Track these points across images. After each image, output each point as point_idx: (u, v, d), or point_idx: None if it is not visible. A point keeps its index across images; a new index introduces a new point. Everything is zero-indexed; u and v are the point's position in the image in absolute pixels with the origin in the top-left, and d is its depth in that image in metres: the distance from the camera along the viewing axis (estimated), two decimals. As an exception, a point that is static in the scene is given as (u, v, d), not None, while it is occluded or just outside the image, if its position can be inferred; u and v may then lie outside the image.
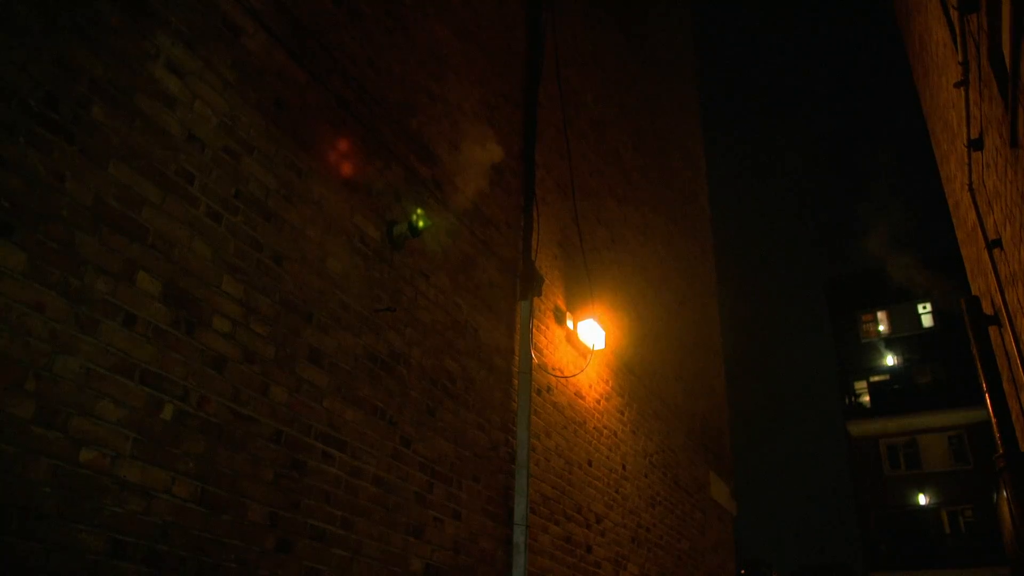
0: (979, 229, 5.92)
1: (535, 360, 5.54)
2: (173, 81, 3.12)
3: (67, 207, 2.63)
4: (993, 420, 5.32)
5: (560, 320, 6.13)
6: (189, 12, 3.25)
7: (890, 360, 28.66)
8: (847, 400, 28.45)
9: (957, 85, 5.23)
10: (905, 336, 28.63)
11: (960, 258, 8.60)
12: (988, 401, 5.42)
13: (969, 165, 5.80)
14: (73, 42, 2.73)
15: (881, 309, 29.38)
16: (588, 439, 6.24)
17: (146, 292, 2.86)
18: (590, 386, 6.47)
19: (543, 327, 5.85)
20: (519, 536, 4.86)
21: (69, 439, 2.50)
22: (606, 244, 7.48)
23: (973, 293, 7.48)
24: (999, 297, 5.48)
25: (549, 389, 5.75)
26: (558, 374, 5.92)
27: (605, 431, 6.58)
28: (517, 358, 5.42)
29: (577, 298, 6.50)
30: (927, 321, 28.51)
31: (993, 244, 5.33)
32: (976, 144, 5.19)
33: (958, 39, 4.92)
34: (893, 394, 27.47)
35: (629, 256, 8.08)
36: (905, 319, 28.87)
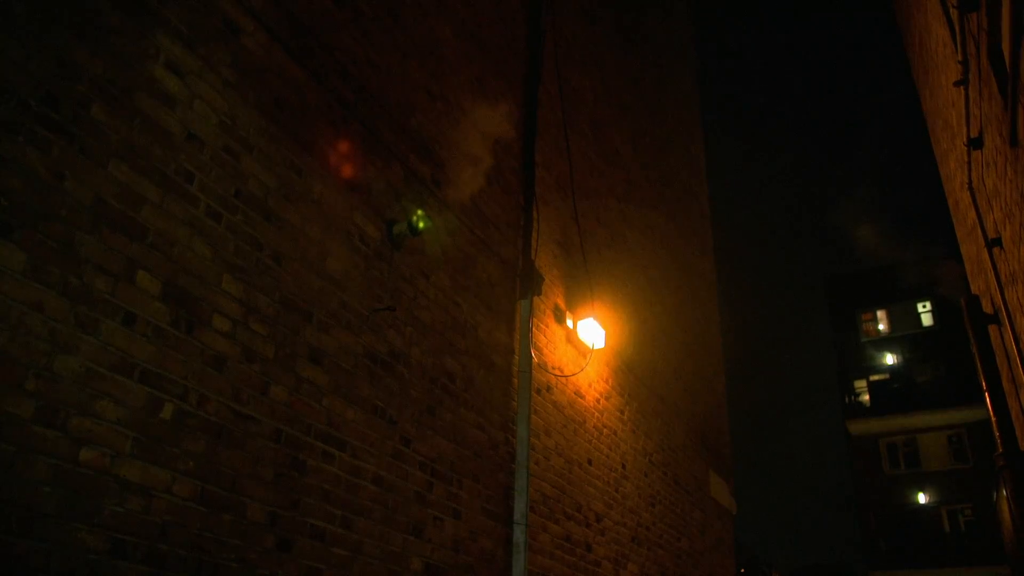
0: (979, 228, 5.92)
1: (535, 359, 5.54)
2: (173, 80, 3.12)
3: (67, 207, 2.63)
4: (993, 419, 5.33)
5: (560, 319, 6.13)
6: (189, 11, 3.25)
7: (890, 359, 28.66)
8: (847, 399, 28.44)
9: (957, 84, 5.23)
10: (905, 335, 28.64)
11: (960, 255, 8.60)
12: (988, 400, 5.42)
13: (969, 164, 5.81)
14: (73, 42, 2.73)
15: (881, 308, 29.38)
16: (588, 438, 6.24)
17: (146, 291, 2.86)
18: (590, 385, 6.47)
19: (543, 326, 5.85)
20: (519, 535, 4.87)
21: (69, 438, 2.50)
22: (606, 243, 7.48)
23: (973, 292, 7.48)
24: (999, 296, 5.48)
25: (549, 388, 5.75)
26: (558, 373, 5.92)
27: (605, 430, 6.59)
28: (517, 357, 5.42)
29: (577, 297, 6.50)
30: (927, 320, 28.51)
31: (993, 243, 5.33)
32: (976, 143, 5.19)
33: (958, 38, 4.92)
34: (893, 393, 27.47)
35: (629, 255, 8.08)
36: (905, 318, 28.87)
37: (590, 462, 6.19)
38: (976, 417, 25.05)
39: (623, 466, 6.82)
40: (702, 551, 8.51)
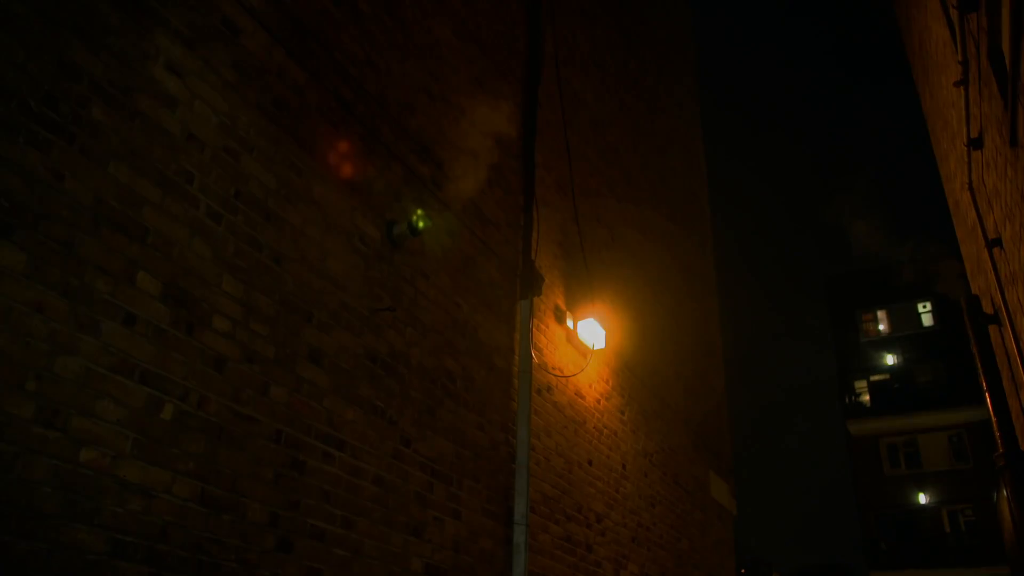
0: (979, 228, 5.92)
1: (535, 360, 5.54)
2: (173, 81, 3.12)
3: (67, 207, 2.63)
4: (993, 419, 5.33)
5: (560, 319, 6.13)
6: (189, 12, 3.25)
7: (890, 359, 28.67)
8: (847, 399, 28.46)
9: (957, 84, 5.23)
10: (905, 335, 28.64)
11: (960, 255, 8.60)
12: (988, 400, 5.43)
13: (969, 164, 5.81)
14: (73, 42, 2.73)
15: (881, 308, 29.39)
16: (588, 438, 6.24)
17: (146, 292, 2.86)
18: (590, 385, 6.47)
19: (543, 326, 5.85)
20: (519, 535, 4.86)
21: (69, 439, 2.50)
22: (606, 243, 7.48)
23: (973, 292, 7.49)
24: (999, 296, 5.48)
25: (549, 389, 5.75)
26: (558, 373, 5.92)
27: (605, 430, 6.59)
28: (517, 357, 5.42)
29: (577, 297, 6.50)
30: (927, 320, 28.52)
31: (993, 243, 5.33)
32: (976, 143, 5.19)
33: (958, 38, 4.92)
34: (893, 393, 27.50)
35: (629, 255, 8.08)
36: (905, 318, 28.88)
37: (590, 462, 6.19)
38: (976, 417, 25.05)
39: (623, 466, 6.82)
40: (702, 551, 8.51)
